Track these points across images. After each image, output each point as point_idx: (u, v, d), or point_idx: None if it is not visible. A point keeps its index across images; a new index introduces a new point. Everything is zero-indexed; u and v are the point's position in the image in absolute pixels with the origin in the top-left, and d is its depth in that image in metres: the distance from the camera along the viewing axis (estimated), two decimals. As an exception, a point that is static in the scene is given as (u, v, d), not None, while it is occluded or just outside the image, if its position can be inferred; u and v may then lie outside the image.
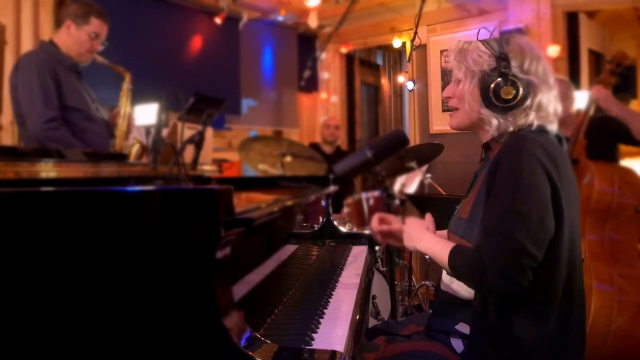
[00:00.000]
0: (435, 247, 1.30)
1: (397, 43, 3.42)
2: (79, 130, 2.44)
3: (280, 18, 4.93)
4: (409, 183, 3.52)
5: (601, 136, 2.57)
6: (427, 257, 2.88)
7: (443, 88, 1.43)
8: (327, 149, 4.33)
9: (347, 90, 5.46)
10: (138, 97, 2.76)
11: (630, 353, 2.16)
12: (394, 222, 1.62)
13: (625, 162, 2.84)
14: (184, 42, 4.39)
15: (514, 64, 1.28)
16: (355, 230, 2.44)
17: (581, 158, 2.43)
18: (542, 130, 1.29)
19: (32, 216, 0.90)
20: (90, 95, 2.61)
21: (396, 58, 5.18)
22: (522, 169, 1.17)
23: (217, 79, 4.50)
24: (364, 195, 3.18)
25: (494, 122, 1.31)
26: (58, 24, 2.62)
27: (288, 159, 3.26)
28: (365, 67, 5.72)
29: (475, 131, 1.39)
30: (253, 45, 4.90)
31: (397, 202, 2.58)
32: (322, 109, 5.37)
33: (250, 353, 0.86)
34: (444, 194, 2.88)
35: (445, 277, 1.42)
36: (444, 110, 2.91)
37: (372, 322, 2.36)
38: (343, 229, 2.12)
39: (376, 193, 3.16)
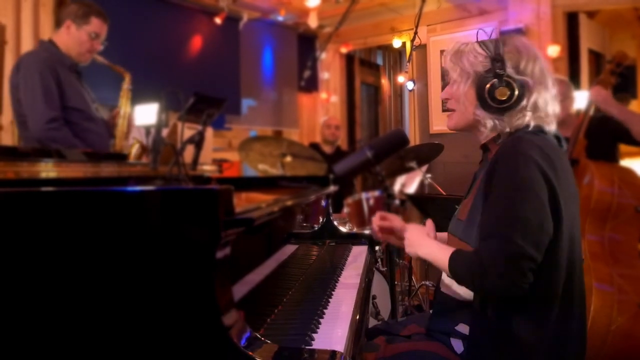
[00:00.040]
0: (436, 253, 1.30)
1: (397, 43, 3.42)
2: (80, 130, 2.44)
3: (280, 18, 4.93)
4: (409, 183, 3.52)
5: (601, 136, 2.57)
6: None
7: (443, 88, 1.43)
8: (327, 149, 4.32)
9: (347, 90, 5.46)
10: (138, 97, 2.76)
11: (630, 353, 2.16)
12: (396, 221, 1.62)
13: (625, 162, 2.84)
14: (184, 42, 4.39)
15: (509, 64, 1.28)
16: (355, 230, 2.44)
17: (581, 158, 2.43)
18: (539, 130, 1.29)
19: (32, 216, 0.90)
20: (90, 95, 2.61)
21: (396, 58, 5.18)
22: (518, 171, 1.17)
23: (217, 79, 4.50)
24: (364, 195, 3.18)
25: (490, 123, 1.31)
26: (58, 23, 2.62)
27: (288, 159, 3.26)
28: (365, 67, 5.72)
29: (472, 132, 1.40)
30: (253, 45, 4.90)
31: (397, 202, 2.58)
32: (322, 109, 5.37)
33: (250, 353, 0.86)
34: (444, 194, 2.88)
35: (446, 278, 1.42)
36: (444, 110, 2.91)
37: (372, 322, 2.36)
38: (343, 229, 2.12)
39: (376, 193, 3.16)
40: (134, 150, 2.19)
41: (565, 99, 2.70)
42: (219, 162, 2.28)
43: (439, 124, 3.10)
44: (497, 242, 1.14)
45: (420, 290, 3.07)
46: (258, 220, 1.01)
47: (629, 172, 2.41)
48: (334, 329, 1.14)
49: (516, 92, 1.26)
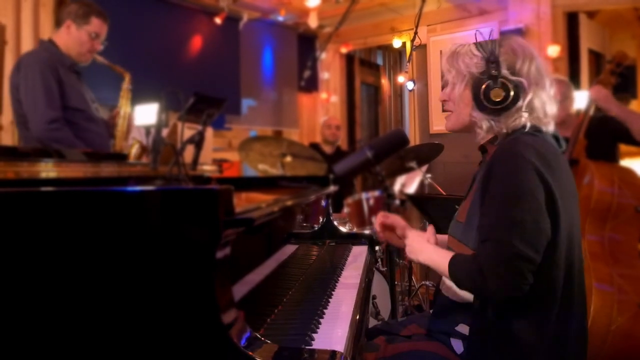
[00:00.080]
0: (436, 258, 1.30)
1: (397, 43, 3.42)
2: (81, 130, 2.44)
3: (280, 18, 4.93)
4: (409, 183, 3.52)
5: (601, 136, 2.57)
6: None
7: (443, 88, 1.44)
8: (327, 149, 4.32)
9: (347, 90, 5.46)
10: (138, 97, 2.76)
11: (630, 353, 2.16)
12: (398, 221, 1.62)
13: (625, 162, 2.84)
14: (184, 42, 4.39)
15: (504, 65, 1.28)
16: (355, 230, 2.44)
17: (581, 158, 2.43)
18: (536, 131, 1.29)
19: (32, 216, 0.90)
20: (90, 95, 2.61)
21: (396, 58, 5.18)
22: (514, 173, 1.18)
23: (217, 79, 4.50)
24: (364, 195, 3.18)
25: (486, 124, 1.32)
26: (58, 23, 2.61)
27: (288, 159, 3.26)
28: (365, 67, 5.72)
29: (470, 133, 1.40)
30: (253, 45, 4.90)
31: (397, 202, 2.58)
32: (322, 109, 5.37)
33: (250, 353, 0.86)
34: (444, 194, 2.88)
35: (447, 279, 1.42)
36: (443, 111, 2.92)
37: (372, 322, 2.36)
38: (343, 229, 2.12)
39: (376, 193, 3.16)
40: (134, 150, 2.19)
41: (565, 99, 2.70)
42: (219, 162, 2.28)
43: (439, 124, 3.09)
44: (495, 245, 1.14)
45: (420, 290, 3.07)
46: (258, 220, 1.01)
47: (629, 172, 2.41)
48: (334, 329, 1.14)
49: (511, 93, 1.26)
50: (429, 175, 3.07)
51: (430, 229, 1.42)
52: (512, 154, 1.20)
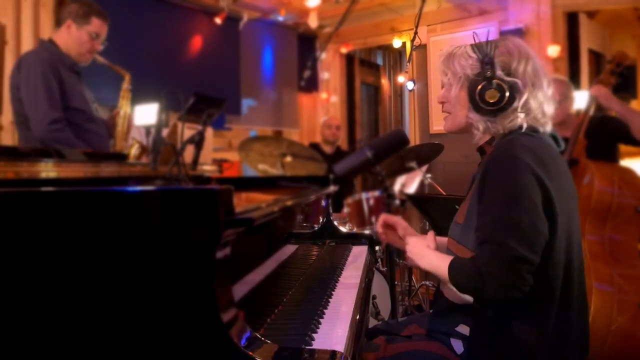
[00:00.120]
0: (437, 263, 1.30)
1: (397, 43, 3.42)
2: (81, 131, 2.44)
3: (280, 18, 4.93)
4: (409, 183, 3.52)
5: (601, 136, 2.57)
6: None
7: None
8: (328, 149, 4.32)
9: (347, 90, 5.47)
10: (138, 97, 2.76)
11: (630, 353, 2.16)
12: (399, 222, 1.63)
13: (625, 162, 2.84)
14: (184, 42, 4.39)
15: (500, 66, 1.28)
16: (355, 230, 2.44)
17: (581, 158, 2.43)
18: (532, 132, 1.29)
19: (32, 216, 0.90)
20: (89, 96, 2.61)
21: (396, 58, 5.18)
22: (510, 175, 1.18)
23: (217, 79, 4.50)
24: (364, 196, 3.18)
25: (482, 125, 1.32)
26: (58, 23, 2.61)
27: (288, 159, 3.26)
28: (366, 67, 5.72)
29: (468, 134, 1.40)
30: (253, 45, 4.90)
31: (397, 202, 2.58)
32: (322, 109, 5.37)
33: (250, 353, 0.86)
34: (444, 194, 2.88)
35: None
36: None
37: (372, 322, 2.36)
38: (343, 229, 2.12)
39: (376, 193, 3.16)
40: (133, 150, 2.19)
41: (565, 99, 2.70)
42: (219, 162, 2.28)
43: (439, 124, 3.09)
44: (492, 247, 1.15)
45: (420, 290, 3.07)
46: (258, 220, 1.01)
47: (629, 172, 2.41)
48: (334, 329, 1.14)
49: (507, 94, 1.26)
50: (429, 175, 3.07)
51: (431, 234, 1.43)
52: (508, 155, 1.21)
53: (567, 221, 1.22)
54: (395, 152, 2.15)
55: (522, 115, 1.28)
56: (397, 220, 1.62)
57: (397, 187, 3.47)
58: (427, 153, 2.87)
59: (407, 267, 3.03)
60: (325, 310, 1.26)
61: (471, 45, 1.33)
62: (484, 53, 1.29)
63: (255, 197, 1.64)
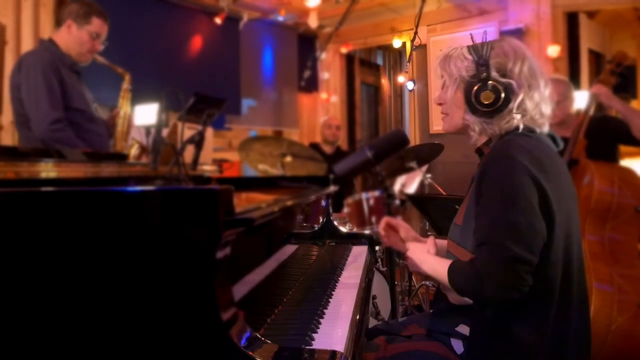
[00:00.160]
0: (437, 268, 1.30)
1: (397, 43, 3.42)
2: (82, 131, 2.43)
3: (280, 18, 4.94)
4: (409, 183, 3.52)
5: (601, 136, 2.57)
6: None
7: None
8: (328, 149, 4.33)
9: (347, 90, 5.47)
10: (138, 97, 2.76)
11: (630, 353, 2.16)
12: (402, 225, 1.63)
13: (625, 162, 2.84)
14: (184, 42, 4.39)
15: (495, 68, 1.28)
16: (355, 230, 2.44)
17: (581, 158, 2.43)
18: (529, 132, 1.29)
19: (32, 216, 0.90)
20: (89, 96, 2.60)
21: (396, 58, 5.19)
22: (506, 175, 1.18)
23: (217, 79, 4.50)
24: (364, 196, 3.17)
25: (478, 127, 1.33)
26: (58, 23, 2.61)
27: (288, 159, 3.26)
28: (366, 67, 5.72)
29: (466, 135, 1.41)
30: (253, 45, 4.90)
31: (397, 202, 2.58)
32: (322, 109, 5.38)
33: (251, 353, 0.86)
34: (444, 194, 2.88)
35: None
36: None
37: (372, 322, 2.36)
38: (343, 229, 2.12)
39: (376, 193, 3.16)
40: (133, 150, 2.19)
41: (565, 99, 2.70)
42: (219, 162, 2.28)
43: (439, 124, 3.07)
44: (490, 249, 1.15)
45: (420, 290, 3.07)
46: (258, 220, 1.01)
47: (629, 172, 2.41)
48: (334, 329, 1.14)
49: (502, 95, 1.26)
50: (429, 175, 3.07)
51: (431, 239, 1.43)
52: (504, 156, 1.21)
53: (566, 221, 1.22)
54: (395, 152, 2.15)
55: (518, 116, 1.28)
56: (400, 222, 1.63)
57: (397, 187, 3.47)
58: (427, 153, 2.87)
59: (407, 267, 3.03)
60: (325, 310, 1.26)
61: (467, 46, 1.34)
62: (479, 55, 1.29)
63: (255, 197, 1.64)
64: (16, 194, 0.92)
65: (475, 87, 1.28)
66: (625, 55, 2.56)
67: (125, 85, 2.67)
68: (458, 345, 1.33)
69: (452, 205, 2.02)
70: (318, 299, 1.33)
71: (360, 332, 1.20)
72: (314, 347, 1.02)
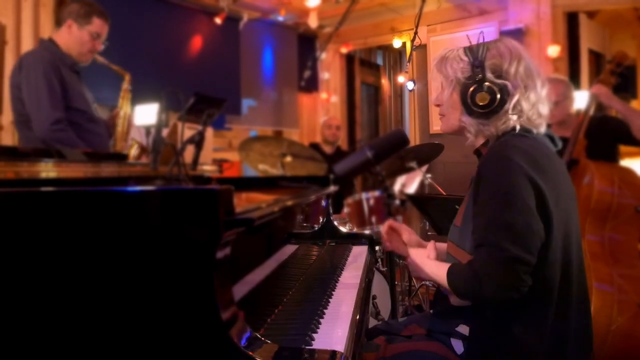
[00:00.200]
0: (436, 273, 1.31)
1: (397, 43, 3.41)
2: (82, 131, 2.43)
3: (280, 18, 4.94)
4: (409, 183, 3.52)
5: (601, 136, 2.57)
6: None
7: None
8: (328, 149, 4.33)
9: (347, 90, 5.47)
10: (138, 97, 2.76)
11: (630, 353, 2.16)
12: (404, 227, 1.63)
13: (625, 162, 2.84)
14: (184, 42, 4.39)
15: (490, 69, 1.28)
16: (355, 230, 2.44)
17: (581, 158, 2.43)
18: (526, 133, 1.29)
19: (32, 216, 0.90)
20: (89, 96, 2.60)
21: (396, 58, 5.19)
22: (502, 176, 1.18)
23: (217, 79, 4.50)
24: (364, 196, 3.18)
25: (475, 128, 1.34)
26: (58, 23, 2.60)
27: (288, 159, 3.26)
28: (366, 67, 5.72)
29: (464, 136, 1.41)
30: (253, 45, 4.90)
31: (397, 202, 2.58)
32: (322, 109, 5.38)
33: (251, 353, 0.86)
34: (444, 194, 2.88)
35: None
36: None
37: (372, 322, 2.36)
38: (343, 229, 2.12)
39: (376, 193, 3.16)
40: (133, 151, 2.19)
41: (565, 99, 2.70)
42: (219, 162, 2.28)
43: (439, 124, 3.08)
44: (487, 250, 1.15)
45: (420, 290, 3.07)
46: (258, 220, 1.01)
47: (629, 172, 2.41)
48: (334, 329, 1.14)
49: (497, 96, 1.26)
50: (429, 175, 3.07)
51: (431, 244, 1.43)
52: (501, 157, 1.21)
53: (564, 221, 1.23)
54: (395, 152, 2.15)
55: (514, 116, 1.28)
56: (403, 226, 1.63)
57: (397, 187, 3.47)
58: (427, 153, 2.87)
59: (407, 267, 3.03)
60: (325, 310, 1.26)
61: (463, 48, 1.34)
62: (475, 56, 1.29)
63: (255, 197, 1.64)
64: (16, 194, 0.92)
65: (471, 89, 1.28)
66: (625, 55, 2.56)
67: (125, 85, 2.67)
68: (458, 345, 1.33)
69: (452, 205, 2.02)
70: (318, 299, 1.33)
71: (360, 332, 1.20)
72: (314, 347, 1.02)
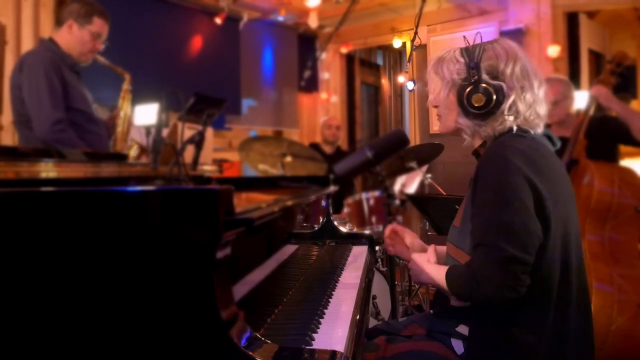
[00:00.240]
0: (436, 277, 1.31)
1: (397, 43, 3.41)
2: (83, 132, 2.43)
3: (280, 18, 4.94)
4: (409, 183, 3.52)
5: (601, 136, 2.57)
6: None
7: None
8: (328, 149, 4.33)
9: (347, 90, 5.47)
10: (138, 97, 2.76)
11: (630, 353, 2.16)
12: (407, 231, 1.64)
13: (625, 162, 2.84)
14: (184, 42, 4.39)
15: (486, 70, 1.28)
16: (355, 230, 2.44)
17: (581, 158, 2.43)
18: (523, 133, 1.29)
19: (32, 216, 0.90)
20: (89, 96, 2.60)
21: (396, 58, 5.19)
22: (499, 177, 1.19)
23: (218, 79, 4.50)
24: (364, 196, 3.18)
25: (471, 130, 1.34)
26: (59, 23, 2.60)
27: (288, 159, 3.26)
28: (366, 67, 5.72)
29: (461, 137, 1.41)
30: (253, 45, 4.90)
31: (397, 202, 2.58)
32: (322, 109, 5.38)
33: (251, 353, 0.86)
34: (444, 194, 2.88)
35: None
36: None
37: (372, 322, 2.36)
38: (343, 229, 2.12)
39: (376, 193, 3.16)
40: (132, 151, 2.19)
41: (565, 99, 2.70)
42: (219, 162, 2.28)
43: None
44: (485, 250, 1.15)
45: (421, 290, 3.07)
46: (258, 221, 1.01)
47: (629, 172, 2.41)
48: (334, 329, 1.14)
49: (493, 98, 1.26)
50: (429, 175, 3.07)
51: (431, 248, 1.43)
52: (497, 158, 1.21)
53: (563, 221, 1.23)
54: (396, 152, 2.15)
55: (510, 117, 1.28)
56: (406, 230, 1.64)
57: (397, 187, 3.47)
58: (427, 153, 2.87)
59: (407, 267, 3.02)
60: (325, 310, 1.26)
61: (460, 49, 1.34)
62: (471, 57, 1.29)
63: (255, 197, 1.64)
64: (16, 194, 0.92)
65: (467, 90, 1.29)
66: (625, 55, 2.56)
67: (126, 86, 2.66)
68: (458, 345, 1.33)
69: (452, 205, 2.02)
70: (318, 299, 1.33)
71: (360, 332, 1.20)
72: (314, 347, 1.02)
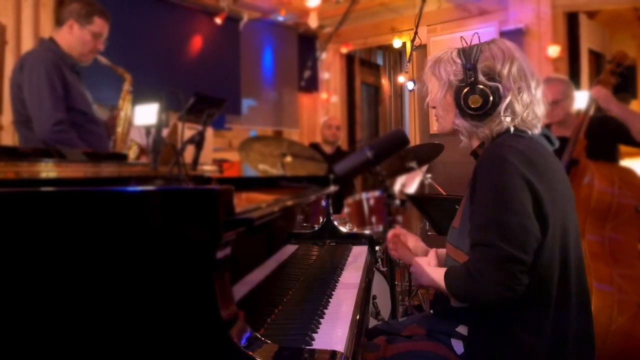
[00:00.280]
0: (436, 278, 1.31)
1: (397, 43, 3.42)
2: (83, 132, 2.42)
3: (280, 18, 4.94)
4: (409, 183, 3.52)
5: (601, 136, 2.57)
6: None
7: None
8: (328, 149, 4.33)
9: (347, 90, 5.47)
10: (138, 97, 2.76)
11: (630, 353, 2.16)
12: (411, 237, 1.64)
13: (625, 162, 2.84)
14: (184, 42, 4.39)
15: (483, 71, 1.28)
16: (355, 230, 2.44)
17: (581, 158, 2.43)
18: (521, 133, 1.29)
19: (32, 216, 0.90)
20: (89, 96, 2.60)
21: (396, 58, 5.19)
22: (497, 177, 1.19)
23: (218, 79, 4.50)
24: (364, 196, 3.18)
25: (467, 131, 1.34)
26: (59, 23, 2.59)
27: (288, 159, 3.26)
28: (366, 67, 5.72)
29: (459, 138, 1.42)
30: (253, 45, 4.90)
31: (397, 202, 2.58)
32: (322, 109, 5.38)
33: (251, 353, 0.86)
34: (444, 194, 2.88)
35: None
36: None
37: (372, 322, 2.36)
38: (343, 229, 2.12)
39: (376, 193, 3.16)
40: (132, 152, 2.19)
41: (565, 98, 2.70)
42: (219, 162, 2.28)
43: (439, 124, 3.08)
44: (482, 249, 1.16)
45: (420, 290, 3.07)
46: (258, 221, 1.01)
47: (629, 172, 2.41)
48: (334, 329, 1.14)
49: (490, 99, 1.26)
50: (429, 175, 3.07)
51: (432, 251, 1.43)
52: (495, 158, 1.22)
53: (561, 221, 1.23)
54: (396, 152, 2.15)
55: (507, 118, 1.28)
56: (409, 233, 1.64)
57: (397, 187, 3.47)
58: (427, 153, 2.87)
59: (407, 267, 3.02)
60: (325, 310, 1.26)
61: (457, 49, 1.34)
62: (468, 58, 1.29)
63: (255, 197, 1.64)
64: (16, 194, 0.92)
65: (463, 92, 1.29)
66: (625, 55, 2.57)
67: (126, 86, 2.66)
68: (458, 346, 1.33)
69: (452, 205, 2.02)
70: (318, 299, 1.33)
71: (360, 332, 1.20)
72: (314, 347, 1.02)
